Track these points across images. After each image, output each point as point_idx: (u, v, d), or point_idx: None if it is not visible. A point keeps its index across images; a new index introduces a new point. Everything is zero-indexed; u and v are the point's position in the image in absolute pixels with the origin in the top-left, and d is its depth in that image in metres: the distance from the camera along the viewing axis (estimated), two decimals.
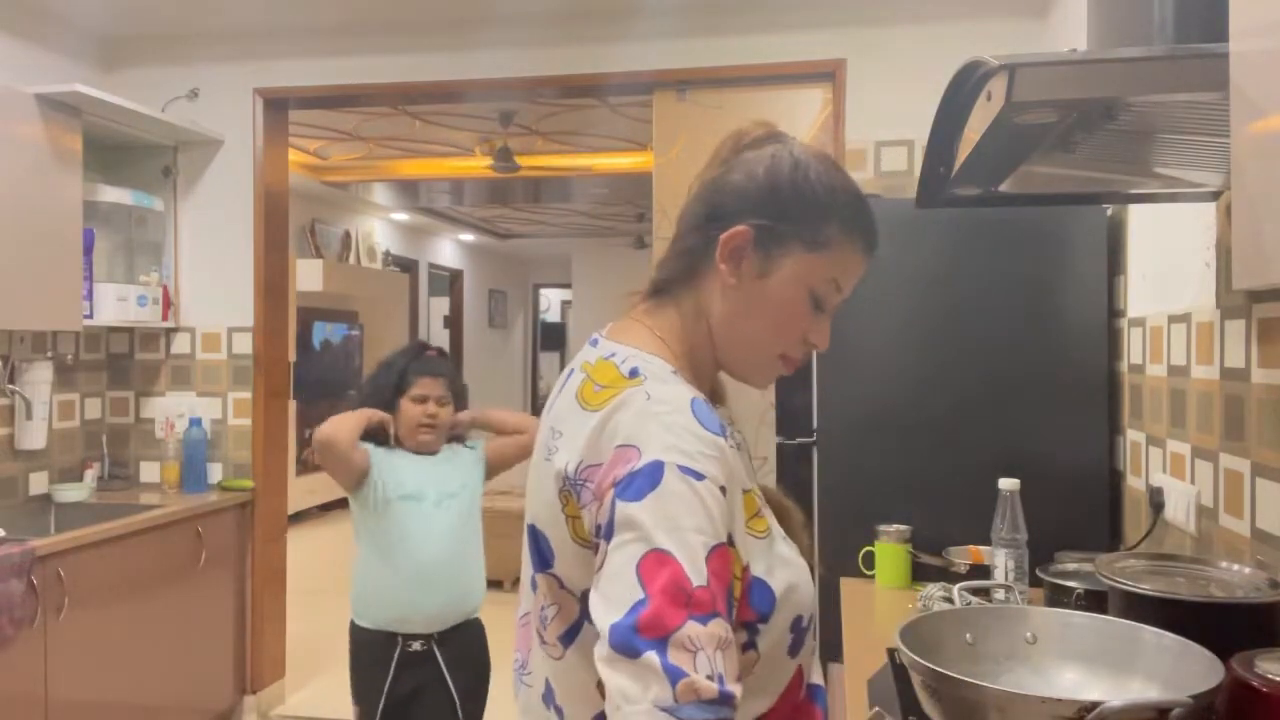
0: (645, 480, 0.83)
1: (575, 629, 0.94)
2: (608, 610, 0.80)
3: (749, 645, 0.90)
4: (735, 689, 0.77)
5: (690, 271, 1.01)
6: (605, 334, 1.02)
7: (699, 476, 0.84)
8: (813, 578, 1.05)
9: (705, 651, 0.76)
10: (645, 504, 0.82)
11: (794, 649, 0.95)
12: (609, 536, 0.84)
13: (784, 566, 0.94)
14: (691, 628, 0.77)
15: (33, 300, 2.96)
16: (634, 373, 0.94)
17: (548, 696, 0.98)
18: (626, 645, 0.77)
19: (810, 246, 0.97)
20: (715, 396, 1.07)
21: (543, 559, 0.96)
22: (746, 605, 0.90)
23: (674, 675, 0.75)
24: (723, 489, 0.86)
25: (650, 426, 0.87)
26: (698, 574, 0.79)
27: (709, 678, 0.76)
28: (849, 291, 1.01)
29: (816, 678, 1.04)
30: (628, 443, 0.87)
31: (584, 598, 0.92)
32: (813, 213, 0.97)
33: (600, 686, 0.91)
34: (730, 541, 0.86)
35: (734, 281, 0.98)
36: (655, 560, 0.80)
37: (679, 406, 0.89)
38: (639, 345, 0.99)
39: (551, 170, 6.57)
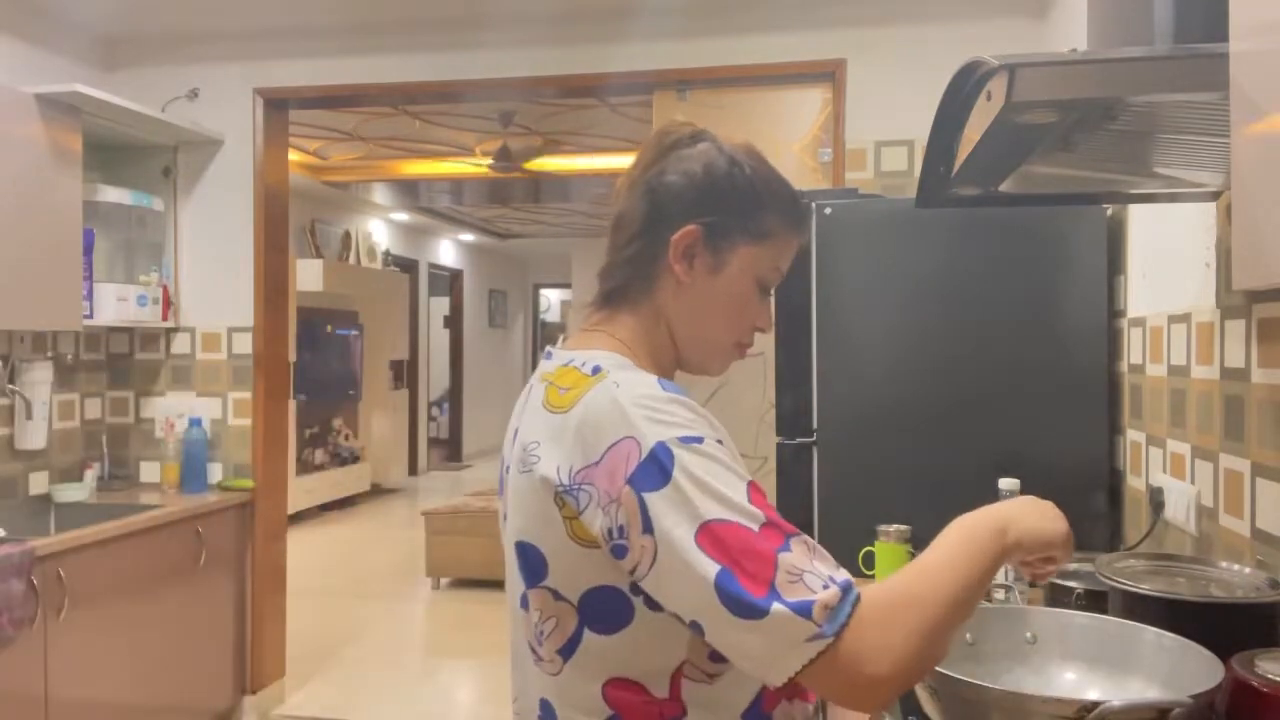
0: (657, 466, 0.86)
1: (575, 640, 0.94)
2: (696, 594, 0.83)
3: None
4: (843, 573, 0.84)
5: (643, 276, 1.03)
6: (559, 347, 1.04)
7: (699, 439, 0.88)
8: None
9: (806, 570, 0.82)
10: (671, 487, 0.85)
11: None
12: (650, 530, 0.85)
13: None
14: (783, 562, 0.82)
15: (33, 300, 2.96)
16: (596, 370, 0.95)
17: (546, 718, 0.98)
18: (749, 609, 0.81)
19: (754, 238, 1.02)
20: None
21: (534, 573, 0.95)
22: None
23: (803, 609, 0.81)
24: (720, 441, 0.90)
25: (633, 414, 0.89)
26: (751, 517, 0.84)
27: (825, 586, 0.82)
28: (785, 273, 1.08)
29: None
30: (621, 437, 0.88)
31: (582, 605, 0.92)
32: (752, 205, 1.02)
33: (604, 692, 0.93)
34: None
35: (688, 280, 1.02)
36: (711, 532, 0.83)
37: (649, 387, 0.92)
38: (597, 348, 1.00)
39: (551, 171, 6.57)
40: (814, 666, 0.80)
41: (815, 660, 0.80)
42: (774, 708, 0.97)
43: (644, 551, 0.86)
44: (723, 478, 0.86)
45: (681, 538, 0.83)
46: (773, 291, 1.07)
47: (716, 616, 0.82)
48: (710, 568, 0.82)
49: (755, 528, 0.83)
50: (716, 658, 0.91)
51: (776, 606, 0.80)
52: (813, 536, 2.45)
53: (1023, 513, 0.95)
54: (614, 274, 1.05)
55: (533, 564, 0.95)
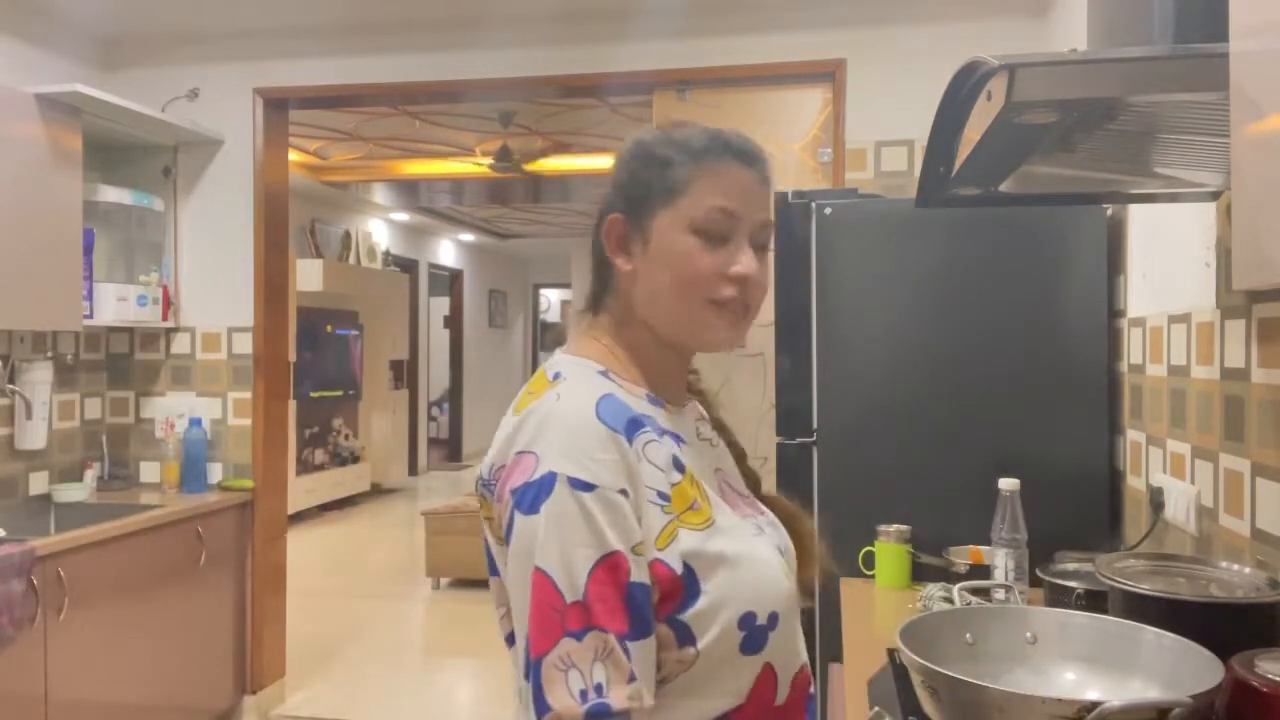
0: (538, 493, 0.86)
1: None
2: (521, 614, 0.87)
3: (686, 641, 0.89)
4: (614, 695, 0.81)
5: (605, 278, 1.04)
6: (560, 351, 1.06)
7: (589, 487, 0.86)
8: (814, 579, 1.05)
9: (579, 668, 0.81)
10: (536, 519, 0.86)
11: (749, 646, 0.92)
12: (508, 542, 0.89)
13: (725, 560, 0.91)
14: (564, 645, 0.82)
15: (33, 300, 2.96)
16: (556, 376, 0.97)
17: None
18: (527, 660, 0.84)
19: (668, 197, 0.98)
20: (671, 391, 1.04)
21: (493, 565, 0.99)
22: (673, 600, 0.89)
23: (540, 710, 0.81)
24: (622, 492, 0.87)
25: (549, 433, 0.89)
26: (572, 590, 0.83)
27: (581, 694, 0.80)
28: (751, 209, 0.98)
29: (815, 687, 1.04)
30: (528, 449, 0.90)
31: None
32: (656, 169, 0.99)
33: None
34: (634, 546, 0.87)
35: (630, 266, 1.00)
36: (535, 579, 0.85)
37: (582, 406, 0.91)
38: (577, 353, 1.02)
39: (551, 171, 6.57)
40: None
41: None
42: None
43: (504, 558, 0.91)
44: (581, 536, 0.84)
45: (519, 570, 0.87)
46: (740, 236, 0.97)
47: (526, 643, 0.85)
48: (524, 608, 0.86)
49: (567, 599, 0.83)
50: (661, 663, 0.90)
51: (526, 685, 0.83)
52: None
53: None
54: (590, 282, 1.08)
55: (490, 557, 0.99)
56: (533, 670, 0.83)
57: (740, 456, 1.12)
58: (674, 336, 1.01)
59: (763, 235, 0.99)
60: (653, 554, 0.88)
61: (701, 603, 0.89)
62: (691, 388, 1.12)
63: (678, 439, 0.99)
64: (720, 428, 1.13)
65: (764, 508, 1.08)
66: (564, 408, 0.91)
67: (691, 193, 0.97)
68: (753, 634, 0.92)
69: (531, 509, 0.86)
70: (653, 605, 0.87)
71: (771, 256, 1.04)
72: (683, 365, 1.06)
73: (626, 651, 0.82)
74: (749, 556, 0.94)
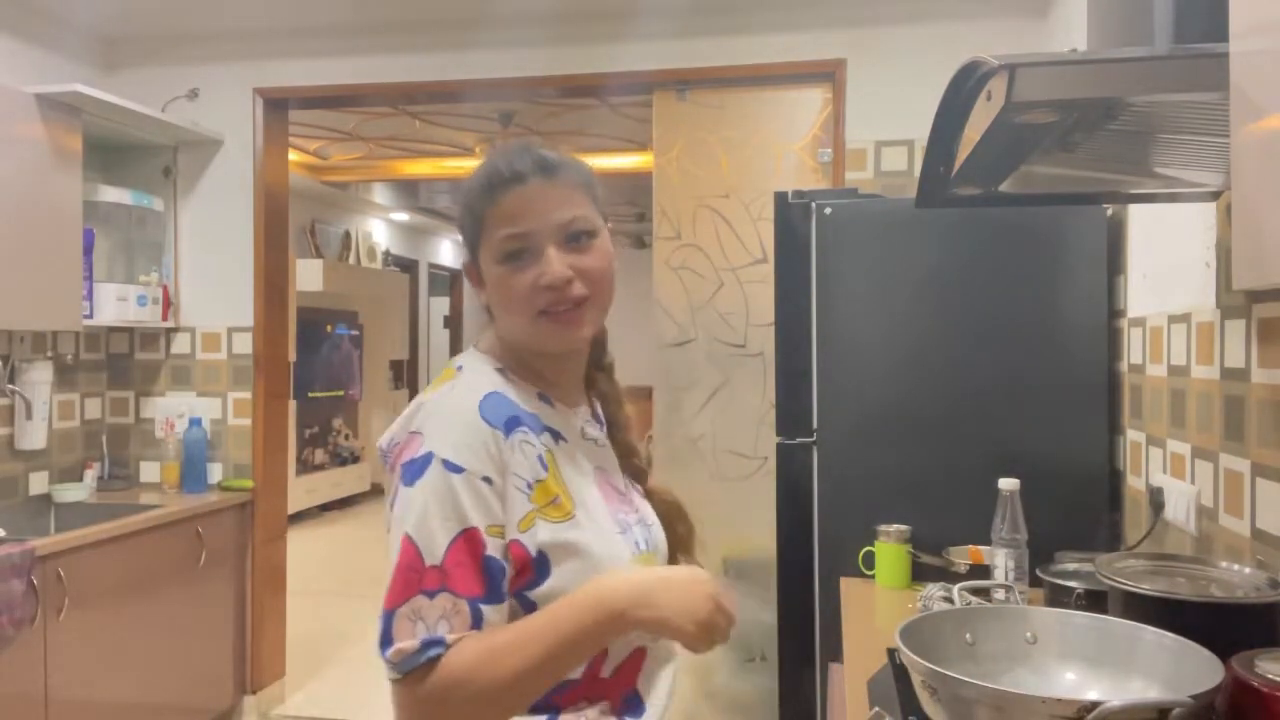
0: (418, 469, 0.98)
1: None
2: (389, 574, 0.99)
3: (532, 611, 1.00)
4: (448, 636, 0.94)
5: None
6: (470, 347, 1.17)
7: (458, 469, 0.98)
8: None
9: (426, 621, 0.94)
10: (412, 491, 0.98)
11: None
12: (392, 508, 1.00)
13: (576, 552, 1.02)
14: (417, 601, 0.94)
15: (33, 300, 2.96)
16: (459, 368, 1.10)
17: None
18: (384, 608, 0.96)
19: (478, 238, 1.10)
20: (560, 390, 1.15)
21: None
22: (524, 578, 1.01)
23: (385, 644, 0.94)
24: (487, 479, 0.99)
25: (435, 419, 1.02)
26: (431, 555, 0.96)
27: (421, 639, 0.93)
28: (541, 220, 1.06)
29: (646, 684, 1.09)
30: (418, 430, 1.02)
31: None
32: (466, 216, 1.11)
33: None
34: (490, 526, 0.98)
35: (484, 297, 1.13)
36: (403, 543, 0.97)
37: (467, 400, 1.03)
38: (485, 349, 1.14)
39: None
40: (393, 688, 0.95)
41: (392, 685, 0.95)
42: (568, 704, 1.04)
43: (387, 522, 1.01)
44: (447, 510, 0.96)
45: (395, 534, 0.98)
46: (541, 246, 1.06)
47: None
48: (390, 567, 0.97)
49: (426, 563, 0.95)
50: None
51: (381, 626, 0.95)
52: (813, 537, 2.44)
53: (665, 601, 0.97)
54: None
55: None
56: (383, 619, 0.94)
57: (626, 454, 1.21)
58: (523, 345, 1.11)
59: (570, 232, 1.07)
60: (513, 535, 1.00)
61: (547, 585, 1.01)
62: (596, 385, 1.22)
63: (557, 436, 1.09)
64: (614, 424, 1.22)
65: (640, 506, 1.18)
66: (452, 399, 1.04)
67: (487, 230, 1.08)
68: None
69: (409, 482, 0.98)
70: (507, 577, 0.99)
71: (600, 240, 1.10)
72: (567, 368, 1.16)
73: (477, 612, 0.95)
74: (600, 553, 1.04)
